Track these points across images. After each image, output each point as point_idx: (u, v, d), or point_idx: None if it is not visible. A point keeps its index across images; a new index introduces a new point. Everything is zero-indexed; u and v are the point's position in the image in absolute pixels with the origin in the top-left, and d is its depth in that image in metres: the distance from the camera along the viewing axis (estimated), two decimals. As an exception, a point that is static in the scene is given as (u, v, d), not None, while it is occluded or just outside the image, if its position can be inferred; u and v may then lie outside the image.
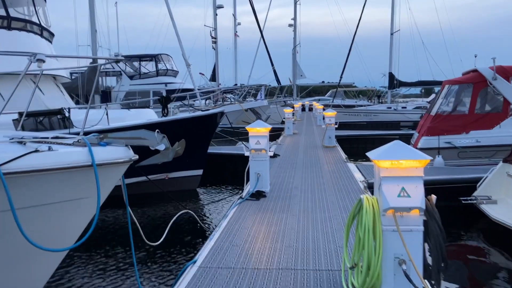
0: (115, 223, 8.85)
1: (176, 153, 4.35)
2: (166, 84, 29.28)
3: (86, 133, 9.07)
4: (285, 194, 7.44)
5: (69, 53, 19.82)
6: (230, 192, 11.13)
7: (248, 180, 7.70)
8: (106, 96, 21.00)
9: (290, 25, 47.94)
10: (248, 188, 7.68)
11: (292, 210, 6.39)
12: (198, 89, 18.63)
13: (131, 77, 30.28)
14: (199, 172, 10.88)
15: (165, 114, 9.62)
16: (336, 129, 14.59)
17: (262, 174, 7.48)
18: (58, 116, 9.19)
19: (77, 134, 9.44)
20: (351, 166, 10.26)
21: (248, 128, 7.44)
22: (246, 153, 7.55)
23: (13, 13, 11.60)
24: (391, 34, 36.09)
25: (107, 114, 9.28)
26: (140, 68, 30.73)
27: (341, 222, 5.71)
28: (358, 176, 8.93)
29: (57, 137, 4.37)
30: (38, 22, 11.82)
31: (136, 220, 4.82)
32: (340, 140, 16.52)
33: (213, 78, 37.47)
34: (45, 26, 12.26)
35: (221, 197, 10.46)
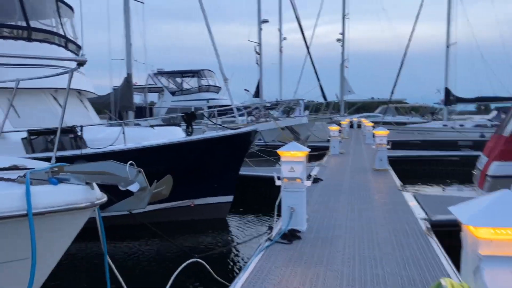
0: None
1: (158, 196, 3.03)
2: (207, 100, 28.48)
3: (78, 157, 8.02)
4: (326, 236, 5.95)
5: (102, 67, 19.25)
6: (263, 221, 9.71)
7: (279, 214, 6.28)
8: (141, 112, 20.29)
9: (338, 40, 46.28)
10: (279, 226, 6.24)
11: (333, 261, 4.90)
12: (234, 105, 17.53)
13: (173, 93, 29.76)
14: (229, 198, 9.55)
15: (189, 133, 8.42)
16: (388, 149, 12.89)
17: (297, 209, 6.05)
18: (70, 135, 8.17)
19: (90, 156, 8.41)
20: (407, 196, 8.60)
21: (280, 152, 6.06)
22: (278, 182, 6.14)
23: (37, 25, 10.90)
24: (447, 46, 33.68)
25: (123, 132, 8.18)
26: (182, 84, 30.17)
27: (399, 284, 4.17)
28: (418, 211, 7.28)
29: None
30: (62, 33, 11.03)
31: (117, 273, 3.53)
32: (392, 161, 14.70)
33: (257, 94, 36.39)
34: (70, 37, 11.48)
35: (251, 229, 9.05)
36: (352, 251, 5.23)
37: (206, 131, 10.27)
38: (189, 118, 8.37)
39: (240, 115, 25.69)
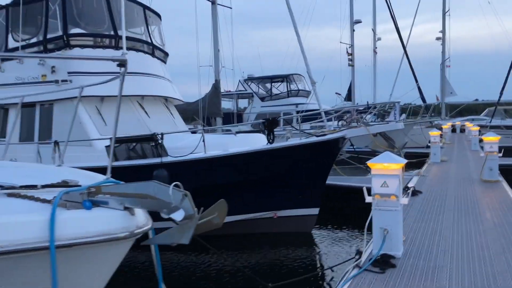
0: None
1: (208, 226, 2.42)
2: (296, 105, 27.88)
3: (159, 165, 7.72)
4: (426, 264, 4.98)
5: (192, 73, 19.43)
6: (353, 238, 8.81)
7: (370, 233, 5.42)
8: (228, 119, 20.21)
9: (437, 38, 43.19)
10: (369, 250, 5.39)
11: (437, 301, 3.97)
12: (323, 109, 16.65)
13: (262, 99, 29.60)
14: (315, 211, 8.80)
15: (270, 141, 7.83)
16: (499, 157, 11.25)
17: (391, 231, 5.15)
18: (151, 143, 7.99)
19: (170, 164, 8.16)
20: (528, 214, 7.21)
21: (370, 164, 5.21)
22: (368, 199, 5.30)
23: (126, 34, 11.06)
24: None
25: (203, 140, 7.81)
26: (271, 89, 29.91)
27: None
28: (545, 235, 5.96)
29: (33, 187, 2.79)
30: (149, 41, 11.09)
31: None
32: (503, 170, 12.87)
33: (349, 97, 35.05)
34: (157, 44, 11.52)
35: (339, 247, 8.19)
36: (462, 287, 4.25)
37: (290, 138, 9.60)
38: (270, 124, 7.78)
39: (330, 120, 24.78)
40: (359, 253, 5.24)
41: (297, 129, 8.30)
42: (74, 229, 2.24)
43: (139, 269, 7.26)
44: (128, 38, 10.52)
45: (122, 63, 3.10)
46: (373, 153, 14.70)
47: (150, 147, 8.05)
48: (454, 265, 4.90)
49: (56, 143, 8.66)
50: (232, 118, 20.23)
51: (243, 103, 32.18)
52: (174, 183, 2.34)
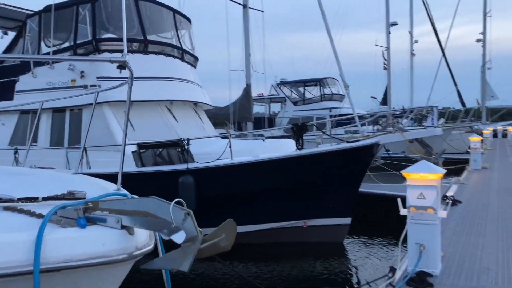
0: None
1: (214, 249, 2.14)
2: (330, 109, 27.35)
3: (184, 172, 7.51)
4: (468, 284, 4.54)
5: (223, 78, 19.26)
6: (387, 250, 8.35)
7: (404, 246, 5.02)
8: (259, 123, 19.93)
9: (478, 40, 41.67)
10: (404, 266, 4.98)
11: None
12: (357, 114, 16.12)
13: (295, 103, 29.25)
14: (346, 220, 8.40)
15: (299, 147, 7.50)
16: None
17: (428, 246, 4.74)
18: (178, 149, 7.82)
19: (196, 171, 7.95)
20: None
21: (405, 173, 4.83)
22: (403, 212, 4.91)
23: (156, 39, 11.00)
24: None
25: (230, 146, 7.57)
26: (304, 93, 29.53)
27: None
28: None
29: (30, 199, 2.58)
30: (179, 45, 10.98)
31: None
32: (552, 179, 12.07)
33: (385, 101, 34.18)
34: (187, 49, 11.40)
35: (372, 260, 7.75)
36: (509, 314, 3.80)
37: (321, 144, 9.27)
38: (299, 130, 7.46)
39: (365, 125, 24.13)
40: (392, 270, 4.85)
41: (327, 135, 7.95)
42: (64, 250, 2.00)
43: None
44: (156, 43, 10.46)
45: (122, 65, 2.87)
46: (410, 160, 14.11)
47: (177, 153, 7.88)
48: (499, 286, 4.44)
49: (84, 149, 8.65)
50: (264, 123, 19.97)
51: (275, 107, 31.91)
52: (176, 200, 2.07)
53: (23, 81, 10.43)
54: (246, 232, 8.17)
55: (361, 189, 10.05)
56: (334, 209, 8.32)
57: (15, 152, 9.38)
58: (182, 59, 11.02)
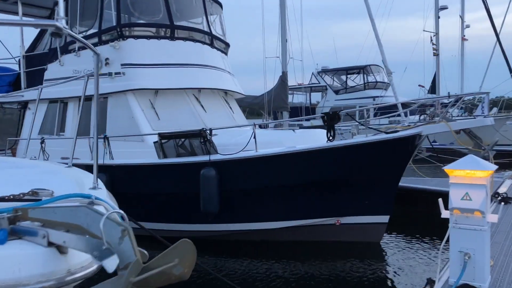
0: None
1: (167, 278, 1.57)
2: (374, 98, 26.19)
3: (206, 164, 6.98)
4: (523, 304, 3.79)
5: (258, 68, 18.67)
6: (430, 252, 7.54)
7: (444, 250, 4.30)
8: (296, 113, 19.18)
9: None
10: (445, 277, 4.27)
11: None
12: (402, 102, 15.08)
13: (336, 92, 28.20)
14: (384, 219, 7.66)
15: (330, 138, 6.82)
16: None
17: (475, 255, 4.02)
18: (200, 139, 7.34)
19: (218, 163, 7.44)
20: None
21: (448, 170, 4.10)
22: (444, 214, 4.19)
23: (186, 24, 10.54)
24: None
25: (254, 136, 6.99)
26: (346, 81, 28.44)
27: None
28: None
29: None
30: (208, 30, 10.46)
31: None
32: None
33: (433, 89, 32.45)
34: (217, 35, 10.88)
35: (411, 264, 6.97)
36: None
37: (356, 134, 8.51)
38: (330, 119, 6.78)
39: (412, 114, 22.85)
40: (430, 282, 4.16)
41: (362, 124, 7.23)
42: None
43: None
44: (183, 28, 9.99)
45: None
46: (459, 152, 13.03)
47: (199, 144, 7.40)
48: (563, 308, 3.67)
49: (106, 138, 8.35)
50: (300, 112, 19.23)
51: (316, 97, 30.95)
52: (112, 211, 1.52)
53: (51, 70, 10.27)
54: (272, 229, 7.62)
55: (402, 184, 9.26)
56: (370, 206, 7.61)
57: (42, 142, 9.23)
58: (211, 45, 10.51)
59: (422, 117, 22.39)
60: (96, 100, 3.35)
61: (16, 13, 11.20)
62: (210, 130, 7.33)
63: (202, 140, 7.32)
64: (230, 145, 7.54)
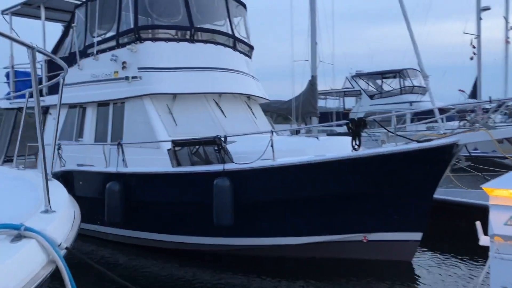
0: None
1: None
2: (411, 103, 25.12)
3: (220, 173, 6.47)
4: None
5: (286, 72, 18.07)
6: (468, 274, 6.77)
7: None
8: (326, 119, 18.42)
9: None
10: (484, 318, 3.59)
11: None
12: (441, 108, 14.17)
13: (371, 96, 27.26)
14: (416, 236, 6.93)
15: (356, 147, 6.19)
16: None
17: (521, 294, 3.32)
18: (214, 147, 6.86)
19: (232, 173, 6.92)
20: None
21: (487, 189, 3.43)
22: (483, 241, 3.52)
23: (209, 27, 10.14)
24: None
25: (272, 144, 6.44)
26: (382, 85, 27.47)
27: None
28: None
29: None
30: (231, 32, 10.02)
31: None
32: None
33: (474, 95, 30.94)
34: (240, 37, 10.42)
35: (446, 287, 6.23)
36: None
37: (385, 142, 7.83)
38: (355, 125, 6.15)
39: (451, 120, 21.66)
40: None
41: (391, 132, 6.57)
42: None
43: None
44: (204, 30, 9.59)
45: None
46: (503, 164, 12.03)
47: (214, 151, 6.93)
48: None
49: (120, 144, 8.01)
50: (331, 118, 18.50)
51: (350, 102, 30.04)
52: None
53: (71, 74, 10.02)
54: (291, 245, 7.04)
55: (437, 196, 8.47)
56: (401, 221, 6.90)
57: (58, 148, 9.00)
58: (234, 47, 10.06)
59: (461, 123, 21.26)
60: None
61: (38, 18, 11.14)
62: (225, 137, 6.84)
63: (216, 148, 6.84)
64: (248, 153, 7.00)
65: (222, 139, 6.81)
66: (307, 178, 6.42)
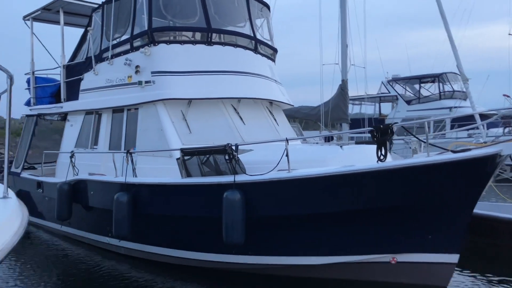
0: None
1: None
2: (450, 108, 23.81)
3: (230, 185, 5.85)
4: None
5: (315, 78, 17.34)
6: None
7: None
8: (358, 125, 17.53)
9: None
10: None
11: None
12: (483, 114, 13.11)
13: (408, 102, 26.08)
14: (452, 258, 6.08)
15: (382, 158, 5.46)
16: None
17: None
18: (225, 156, 6.28)
19: (243, 185, 6.26)
20: None
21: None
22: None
23: (227, 28, 9.62)
24: None
25: (287, 154, 5.79)
26: (420, 90, 26.24)
27: None
28: None
29: None
30: (252, 34, 9.45)
31: None
32: None
33: (520, 100, 29.18)
34: (262, 39, 9.85)
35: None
36: None
37: (419, 151, 7.03)
38: (381, 133, 5.42)
39: (493, 127, 20.28)
40: None
41: (421, 140, 5.78)
42: None
43: None
44: (221, 31, 9.07)
45: None
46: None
47: (225, 161, 6.35)
48: None
49: (129, 153, 7.59)
50: (363, 125, 17.60)
51: (386, 107, 28.83)
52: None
53: (87, 79, 9.81)
54: (310, 265, 6.35)
55: (478, 210, 7.60)
56: (435, 241, 6.08)
57: (71, 156, 8.69)
58: (255, 50, 9.48)
59: (506, 129, 19.90)
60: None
61: (58, 23, 10.97)
62: (236, 145, 6.25)
63: (227, 158, 6.26)
64: (265, 162, 6.36)
65: (233, 147, 6.23)
66: (325, 191, 5.74)
